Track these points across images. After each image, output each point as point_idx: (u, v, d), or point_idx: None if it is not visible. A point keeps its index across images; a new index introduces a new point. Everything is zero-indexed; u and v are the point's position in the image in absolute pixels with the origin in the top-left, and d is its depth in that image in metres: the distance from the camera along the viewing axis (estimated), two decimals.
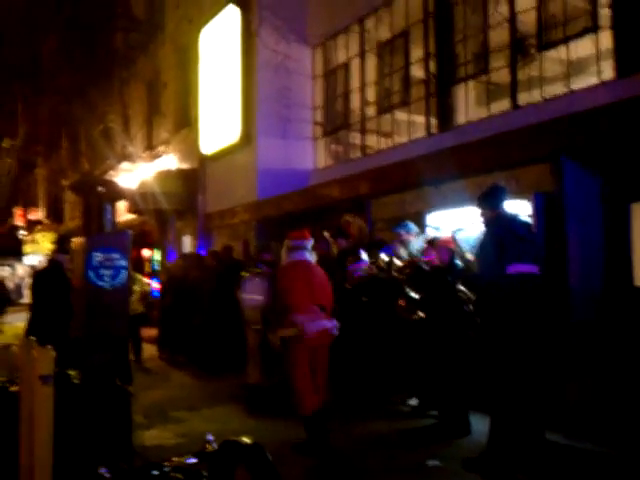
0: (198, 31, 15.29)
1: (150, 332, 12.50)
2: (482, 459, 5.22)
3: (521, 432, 5.33)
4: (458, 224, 7.92)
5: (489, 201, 5.46)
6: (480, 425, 6.25)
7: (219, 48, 14.49)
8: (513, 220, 5.44)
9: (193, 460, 2.87)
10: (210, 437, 2.94)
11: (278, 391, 8.43)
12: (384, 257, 7.59)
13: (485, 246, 5.28)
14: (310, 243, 6.35)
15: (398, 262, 7.34)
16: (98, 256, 5.15)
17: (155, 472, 2.70)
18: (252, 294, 8.61)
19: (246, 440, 2.77)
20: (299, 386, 5.80)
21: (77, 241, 5.65)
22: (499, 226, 5.28)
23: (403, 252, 7.43)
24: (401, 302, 6.95)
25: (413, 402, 7.28)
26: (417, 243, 7.42)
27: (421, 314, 6.78)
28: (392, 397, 7.56)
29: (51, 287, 8.40)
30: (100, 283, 5.17)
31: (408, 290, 6.84)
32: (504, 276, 5.04)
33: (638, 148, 6.30)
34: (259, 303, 8.52)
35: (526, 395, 5.18)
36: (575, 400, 6.07)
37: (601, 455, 5.41)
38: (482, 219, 5.51)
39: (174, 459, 2.83)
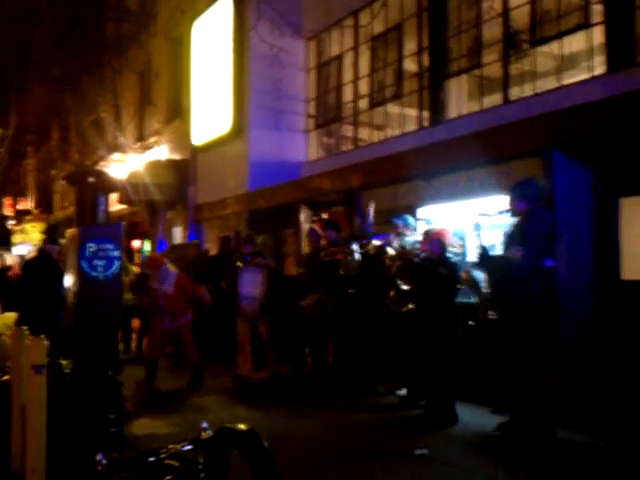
0: (191, 22, 15.21)
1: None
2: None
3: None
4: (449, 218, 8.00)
5: (526, 193, 5.67)
6: (467, 415, 6.33)
7: (212, 39, 14.44)
8: (548, 216, 5.68)
9: (189, 447, 2.90)
10: (205, 425, 2.97)
11: (268, 382, 8.50)
12: (376, 243, 7.61)
13: (528, 238, 5.43)
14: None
15: (391, 251, 7.35)
16: (91, 247, 5.14)
17: (152, 459, 2.72)
18: (248, 286, 8.65)
19: (242, 427, 2.80)
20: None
21: (70, 231, 5.63)
22: (540, 221, 5.52)
23: (396, 244, 7.44)
24: (391, 293, 6.98)
25: (402, 392, 7.33)
26: (411, 237, 7.43)
27: (411, 306, 6.82)
28: (381, 386, 7.62)
29: (41, 277, 8.40)
30: (93, 274, 5.16)
31: (399, 282, 6.86)
32: (542, 269, 5.46)
33: (628, 143, 6.36)
34: (256, 295, 8.57)
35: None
36: (562, 390, 6.12)
37: (591, 446, 5.49)
38: (515, 210, 5.71)
39: (170, 446, 2.86)
